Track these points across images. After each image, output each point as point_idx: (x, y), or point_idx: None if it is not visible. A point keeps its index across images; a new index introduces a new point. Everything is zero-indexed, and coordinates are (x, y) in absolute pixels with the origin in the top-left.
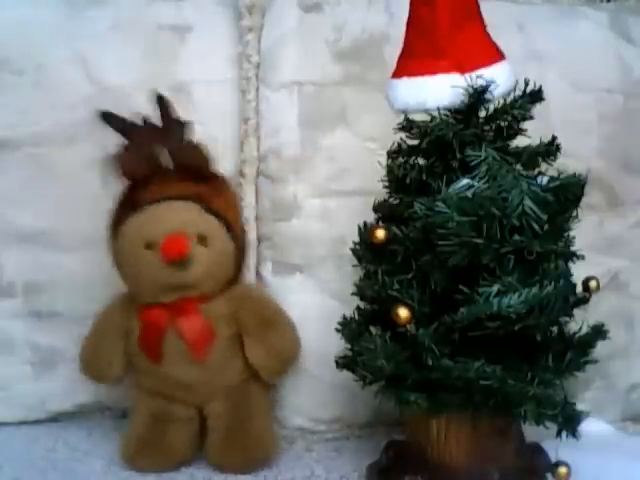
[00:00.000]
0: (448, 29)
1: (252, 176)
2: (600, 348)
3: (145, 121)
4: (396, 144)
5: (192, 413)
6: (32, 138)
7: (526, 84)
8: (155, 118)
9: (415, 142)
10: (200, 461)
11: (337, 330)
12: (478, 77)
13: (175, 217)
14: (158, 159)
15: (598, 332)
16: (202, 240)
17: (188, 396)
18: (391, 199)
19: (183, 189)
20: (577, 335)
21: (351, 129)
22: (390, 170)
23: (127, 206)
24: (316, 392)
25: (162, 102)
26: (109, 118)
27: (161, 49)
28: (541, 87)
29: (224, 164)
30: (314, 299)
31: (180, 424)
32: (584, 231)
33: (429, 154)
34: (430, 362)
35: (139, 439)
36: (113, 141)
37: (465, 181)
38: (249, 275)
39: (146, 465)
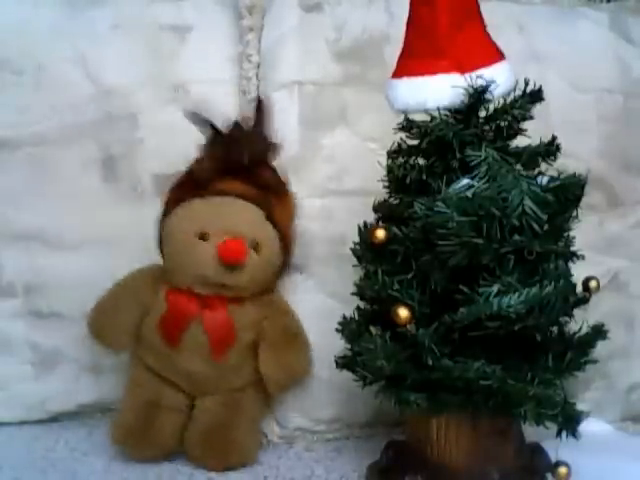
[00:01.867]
0: (448, 29)
1: None
2: (600, 348)
3: (234, 126)
4: (396, 144)
5: (183, 403)
6: (32, 138)
7: (526, 84)
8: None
9: (415, 142)
10: (181, 456)
11: (337, 330)
12: (478, 77)
13: (236, 216)
14: (232, 163)
15: (598, 332)
16: (255, 246)
17: (186, 385)
18: (391, 199)
19: (249, 190)
20: (577, 335)
21: (351, 129)
22: (390, 170)
23: (191, 189)
24: (316, 392)
25: (259, 109)
26: (195, 119)
27: (161, 49)
28: (541, 87)
29: None
30: (314, 299)
31: (170, 414)
32: (584, 231)
33: (429, 154)
34: (430, 362)
35: (129, 424)
36: (114, 141)
37: (465, 181)
38: None
39: (133, 451)
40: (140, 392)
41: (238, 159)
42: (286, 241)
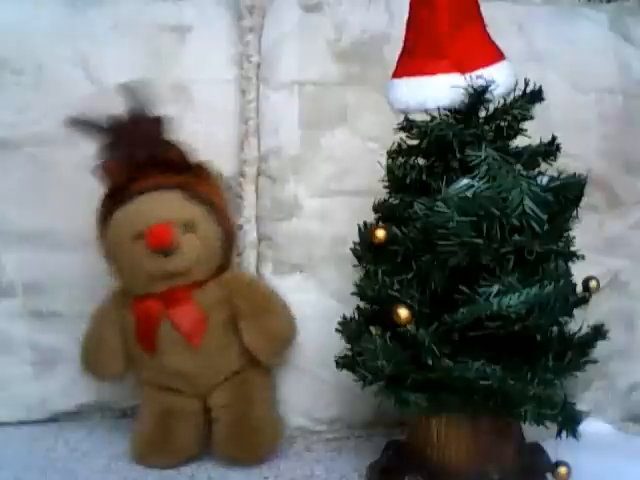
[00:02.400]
0: (448, 29)
1: (252, 176)
2: (600, 348)
3: (112, 121)
4: (396, 144)
5: (197, 406)
6: (32, 138)
7: (526, 84)
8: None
9: (415, 142)
10: (201, 459)
11: (337, 330)
12: (478, 77)
13: (160, 206)
14: (138, 154)
15: (598, 332)
16: (189, 227)
17: (190, 387)
18: (391, 199)
19: (166, 179)
20: (577, 335)
21: (351, 129)
22: (390, 170)
23: (112, 201)
24: (316, 392)
25: (129, 96)
26: (79, 124)
27: (161, 49)
28: (541, 87)
29: (224, 164)
30: (314, 299)
31: (186, 418)
32: (584, 231)
33: (429, 154)
34: (430, 362)
35: (147, 437)
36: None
37: (465, 181)
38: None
39: (155, 462)
40: (152, 405)
41: (139, 150)
42: (218, 213)
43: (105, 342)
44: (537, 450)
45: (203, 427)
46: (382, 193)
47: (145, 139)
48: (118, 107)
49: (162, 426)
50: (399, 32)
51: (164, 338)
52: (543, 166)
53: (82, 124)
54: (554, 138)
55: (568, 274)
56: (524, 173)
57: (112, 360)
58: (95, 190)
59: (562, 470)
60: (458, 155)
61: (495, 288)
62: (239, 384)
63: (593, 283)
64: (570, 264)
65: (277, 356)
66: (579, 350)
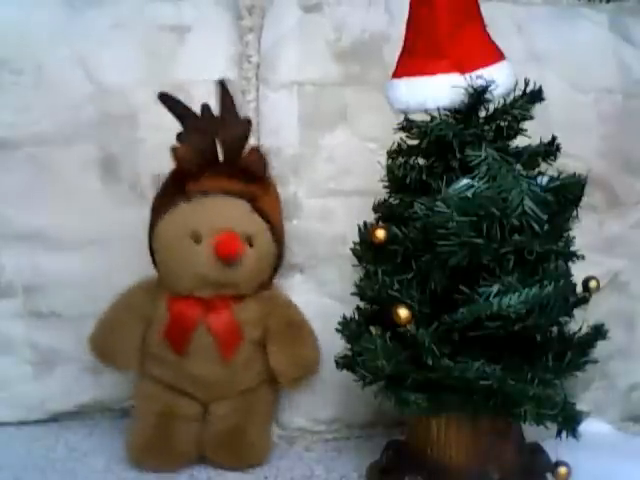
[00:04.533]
0: (448, 29)
1: None
2: (600, 348)
3: (204, 110)
4: (396, 144)
5: (197, 411)
6: (32, 138)
7: (526, 84)
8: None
9: (415, 142)
10: (200, 462)
11: (337, 330)
12: (478, 77)
13: (225, 213)
14: (213, 151)
15: (598, 332)
16: (248, 240)
17: (200, 393)
18: (391, 199)
19: (233, 185)
20: (577, 335)
21: (351, 129)
22: (390, 170)
23: (175, 194)
24: (316, 392)
25: (224, 92)
26: (167, 100)
27: (161, 49)
28: (541, 87)
29: None
30: (314, 299)
31: (185, 423)
32: (584, 231)
33: (429, 154)
34: (430, 362)
35: (145, 440)
36: (114, 141)
37: (465, 181)
38: None
39: (153, 465)
40: (151, 405)
41: (218, 144)
42: (277, 230)
43: (123, 330)
44: (537, 450)
45: (201, 432)
46: (382, 193)
47: (230, 136)
48: (117, 107)
49: (162, 428)
50: (399, 32)
51: (196, 342)
52: (543, 166)
53: (173, 102)
54: (554, 138)
55: (568, 274)
56: (524, 173)
57: (126, 350)
58: (95, 190)
59: (562, 470)
60: (458, 155)
61: (495, 288)
62: (245, 397)
63: (593, 283)
64: (570, 264)
65: (298, 382)
66: (579, 350)
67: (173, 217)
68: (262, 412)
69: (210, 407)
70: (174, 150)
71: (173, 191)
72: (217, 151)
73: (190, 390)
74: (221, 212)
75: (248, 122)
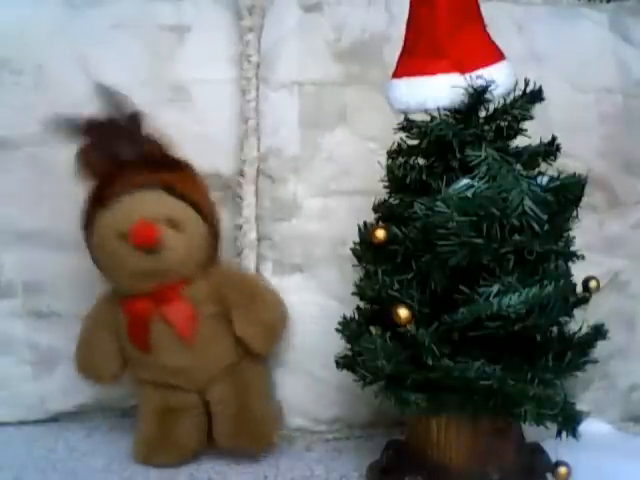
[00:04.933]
0: (448, 29)
1: (252, 176)
2: (600, 348)
3: (99, 118)
4: (396, 144)
5: (195, 401)
6: (32, 138)
7: (526, 84)
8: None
9: (415, 142)
10: (201, 459)
11: (337, 330)
12: (478, 77)
13: (143, 205)
14: (119, 153)
15: (598, 332)
16: (173, 225)
17: (187, 382)
18: (391, 199)
19: (148, 178)
20: (577, 335)
21: (351, 129)
22: (390, 170)
23: (96, 203)
24: (316, 392)
25: (110, 96)
26: (61, 124)
27: (161, 49)
28: (541, 87)
29: (224, 164)
30: (314, 299)
31: (186, 415)
32: (584, 231)
33: (429, 154)
34: (430, 362)
35: (150, 437)
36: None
37: (465, 181)
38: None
39: (160, 462)
40: (150, 405)
41: (120, 148)
42: (202, 210)
43: (98, 345)
44: (537, 450)
45: (204, 421)
46: (382, 193)
47: (124, 136)
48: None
49: (163, 424)
50: (399, 32)
51: (157, 336)
52: (543, 166)
53: (61, 126)
54: (554, 138)
55: (568, 274)
56: (524, 173)
57: (107, 363)
58: None
59: (562, 470)
60: (458, 155)
61: (495, 288)
62: (235, 376)
63: (593, 283)
64: (570, 264)
65: (269, 344)
66: (579, 350)
67: (99, 224)
68: (257, 384)
69: (206, 395)
70: (84, 167)
71: (94, 202)
72: (123, 152)
73: (174, 382)
74: (138, 206)
75: (137, 115)
